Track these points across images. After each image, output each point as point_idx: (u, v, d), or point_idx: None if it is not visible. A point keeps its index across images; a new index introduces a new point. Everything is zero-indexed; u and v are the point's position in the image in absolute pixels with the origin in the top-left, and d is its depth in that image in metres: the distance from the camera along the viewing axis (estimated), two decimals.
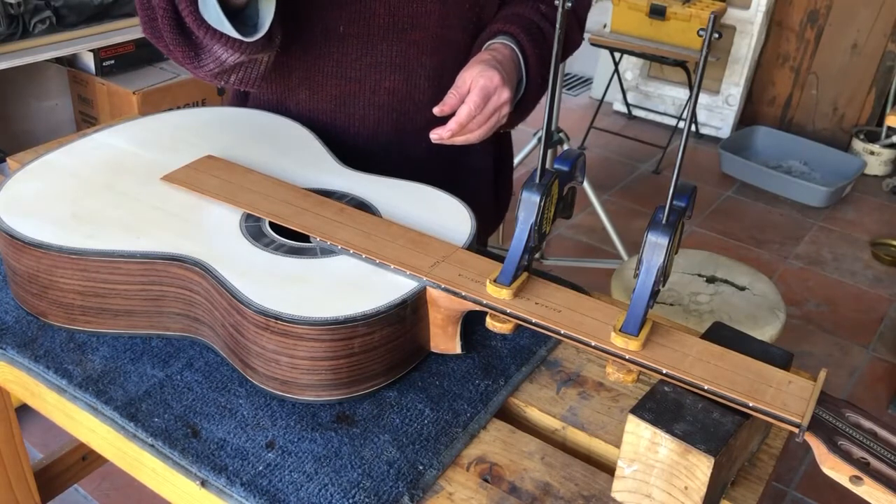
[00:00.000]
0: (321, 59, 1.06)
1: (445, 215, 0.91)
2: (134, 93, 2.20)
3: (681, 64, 3.32)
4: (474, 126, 0.96)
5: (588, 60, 4.05)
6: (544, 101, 0.72)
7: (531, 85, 1.03)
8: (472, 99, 0.93)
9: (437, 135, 0.94)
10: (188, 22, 0.89)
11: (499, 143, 1.26)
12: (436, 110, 0.95)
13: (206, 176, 0.93)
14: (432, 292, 0.79)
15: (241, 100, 1.19)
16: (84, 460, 1.44)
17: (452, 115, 0.95)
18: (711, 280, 1.72)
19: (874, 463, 0.61)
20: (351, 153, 1.05)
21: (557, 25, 0.70)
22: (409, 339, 0.80)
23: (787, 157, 3.49)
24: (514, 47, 1.01)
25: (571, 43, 1.14)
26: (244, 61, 0.95)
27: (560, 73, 0.72)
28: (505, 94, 0.95)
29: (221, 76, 0.98)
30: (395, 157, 1.10)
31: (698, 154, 3.61)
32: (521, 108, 1.05)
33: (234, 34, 0.88)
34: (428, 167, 1.08)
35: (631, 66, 3.84)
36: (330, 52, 1.05)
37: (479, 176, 1.22)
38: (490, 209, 1.26)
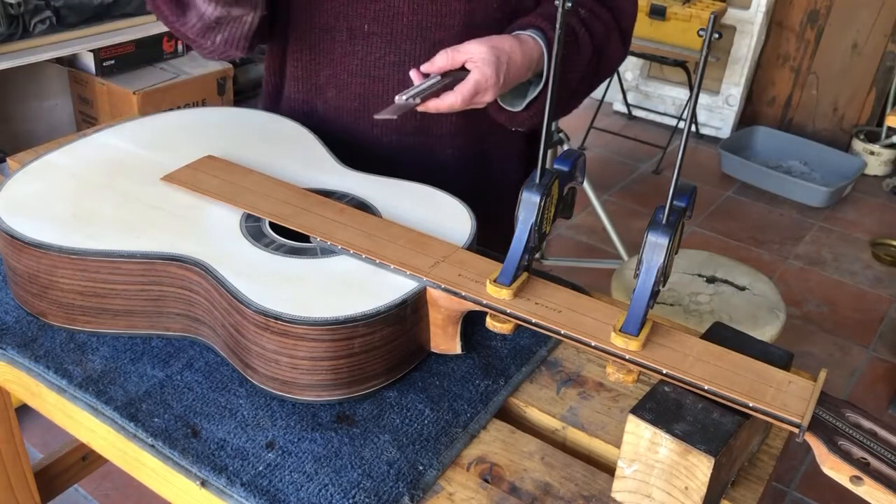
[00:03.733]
0: (347, 57, 1.06)
1: (445, 215, 0.91)
2: (134, 93, 2.20)
3: (681, 64, 3.32)
4: (448, 110, 0.95)
5: None
6: (544, 100, 0.72)
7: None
8: (463, 92, 0.92)
9: (409, 97, 0.90)
10: None
11: (529, 154, 1.23)
12: (423, 67, 0.93)
13: (206, 176, 0.93)
14: (432, 292, 0.79)
15: (275, 99, 1.19)
16: (84, 460, 1.44)
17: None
18: (711, 280, 1.72)
19: (874, 463, 0.61)
20: (374, 155, 1.04)
21: (558, 25, 0.70)
22: (409, 340, 0.80)
23: (787, 157, 3.49)
24: (542, 44, 0.99)
25: (609, 58, 1.08)
26: (225, 16, 0.96)
27: (557, 72, 0.72)
28: (488, 97, 0.94)
29: (207, 34, 1.00)
30: (419, 162, 1.08)
31: (698, 154, 3.61)
32: (535, 108, 1.02)
33: None
34: (453, 174, 1.07)
35: (631, 66, 3.84)
36: (355, 51, 1.05)
37: (506, 185, 1.20)
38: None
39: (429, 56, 0.95)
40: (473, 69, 0.92)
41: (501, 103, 1.01)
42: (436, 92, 0.91)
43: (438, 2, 1.02)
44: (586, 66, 1.03)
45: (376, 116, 0.86)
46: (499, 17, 1.05)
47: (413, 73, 0.94)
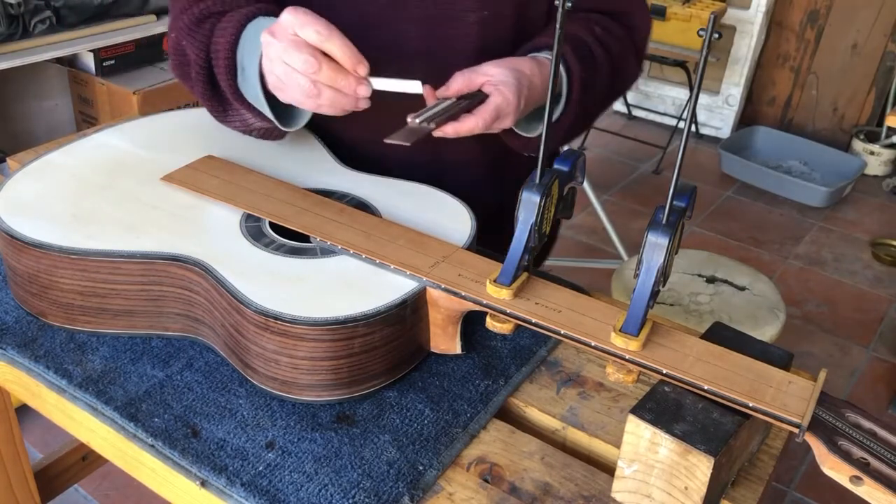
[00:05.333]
0: None
1: (445, 215, 0.91)
2: (134, 93, 2.20)
3: (681, 64, 3.32)
4: (467, 135, 0.88)
5: None
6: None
7: (570, 107, 0.94)
8: (484, 116, 0.85)
9: (423, 119, 0.83)
10: (224, 88, 0.90)
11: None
12: (439, 91, 0.87)
13: (206, 176, 0.93)
14: (432, 292, 0.79)
15: None
16: (84, 460, 1.44)
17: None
18: (711, 280, 1.72)
19: (874, 463, 0.61)
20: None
21: (557, 25, 0.70)
22: (409, 340, 0.80)
23: (786, 157, 3.49)
24: (561, 66, 0.92)
25: (624, 77, 1.04)
26: (271, 127, 0.94)
27: (559, 73, 0.72)
28: (508, 122, 0.88)
29: (245, 132, 0.98)
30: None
31: (698, 154, 3.60)
32: (553, 132, 0.92)
33: (270, 115, 0.88)
34: (467, 201, 0.99)
35: None
36: None
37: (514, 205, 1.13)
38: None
39: (440, 83, 0.89)
40: (494, 92, 0.86)
41: (515, 128, 0.95)
42: (453, 115, 0.84)
43: (448, 25, 0.95)
44: (605, 87, 0.99)
45: (387, 140, 0.78)
46: (511, 37, 1.00)
47: (426, 91, 0.86)
